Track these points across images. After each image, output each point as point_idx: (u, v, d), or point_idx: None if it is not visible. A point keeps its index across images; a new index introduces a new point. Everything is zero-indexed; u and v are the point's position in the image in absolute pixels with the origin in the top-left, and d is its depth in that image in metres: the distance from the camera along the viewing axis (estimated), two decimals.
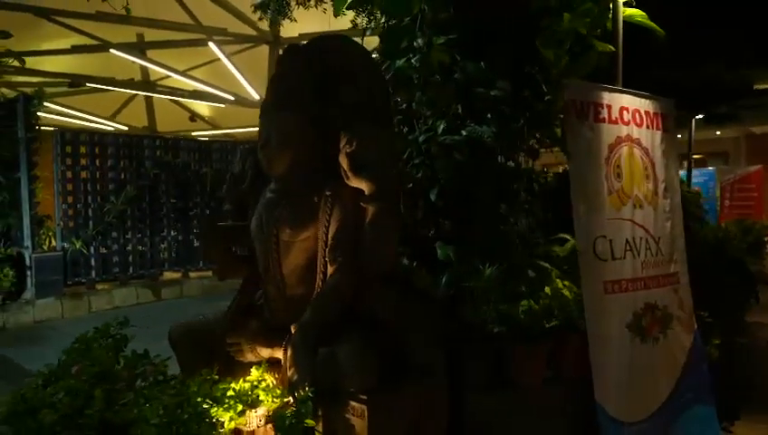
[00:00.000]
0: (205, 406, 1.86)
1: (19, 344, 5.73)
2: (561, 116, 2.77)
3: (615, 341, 2.50)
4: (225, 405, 1.92)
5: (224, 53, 9.28)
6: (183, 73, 10.09)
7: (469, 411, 2.44)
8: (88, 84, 10.20)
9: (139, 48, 9.93)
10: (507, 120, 2.74)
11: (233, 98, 10.56)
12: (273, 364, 2.19)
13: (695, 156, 20.60)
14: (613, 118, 2.73)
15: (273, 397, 1.94)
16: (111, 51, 9.09)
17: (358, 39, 2.91)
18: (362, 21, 3.16)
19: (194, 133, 13.01)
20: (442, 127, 2.87)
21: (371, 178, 2.05)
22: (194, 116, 12.99)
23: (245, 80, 9.90)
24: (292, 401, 1.90)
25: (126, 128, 12.59)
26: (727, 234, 5.43)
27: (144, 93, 11.58)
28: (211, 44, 9.12)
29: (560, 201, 2.87)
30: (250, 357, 2.26)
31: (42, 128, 7.58)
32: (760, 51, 5.00)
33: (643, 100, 2.90)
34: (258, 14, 4.12)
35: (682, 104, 6.89)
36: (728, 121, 8.03)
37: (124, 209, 7.90)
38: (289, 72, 2.36)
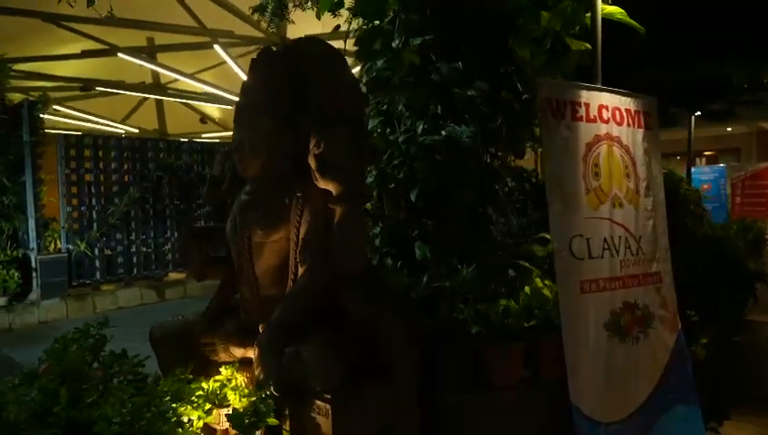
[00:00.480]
0: (173, 405, 1.91)
1: (23, 345, 5.85)
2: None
3: (591, 340, 2.49)
4: (195, 404, 1.96)
5: (230, 56, 9.35)
6: (191, 76, 10.19)
7: (444, 412, 2.45)
8: (98, 88, 10.37)
9: (146, 52, 10.06)
10: (485, 119, 2.74)
11: None
12: (246, 364, 2.22)
13: (706, 152, 20.29)
14: (591, 116, 2.71)
15: (240, 396, 1.97)
16: (119, 55, 9.23)
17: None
18: (345, 24, 3.18)
19: (204, 135, 13.14)
20: (421, 127, 2.88)
21: (338, 179, 2.07)
22: (204, 118, 13.13)
23: None
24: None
25: (137, 130, 12.77)
26: (726, 232, 5.36)
27: (154, 97, 11.73)
28: (216, 47, 9.21)
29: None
30: (224, 357, 2.30)
31: (53, 132, 7.73)
32: (755, 45, 4.93)
33: (624, 98, 2.88)
34: (257, 16, 4.16)
35: (680, 101, 6.84)
36: (726, 118, 7.89)
37: (128, 211, 8.03)
38: (262, 75, 2.39)
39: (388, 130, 3.13)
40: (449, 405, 2.44)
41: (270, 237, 2.26)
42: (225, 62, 9.65)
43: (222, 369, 2.08)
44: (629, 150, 2.86)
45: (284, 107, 2.34)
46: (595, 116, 2.73)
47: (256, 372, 1.98)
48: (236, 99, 2.25)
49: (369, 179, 3.17)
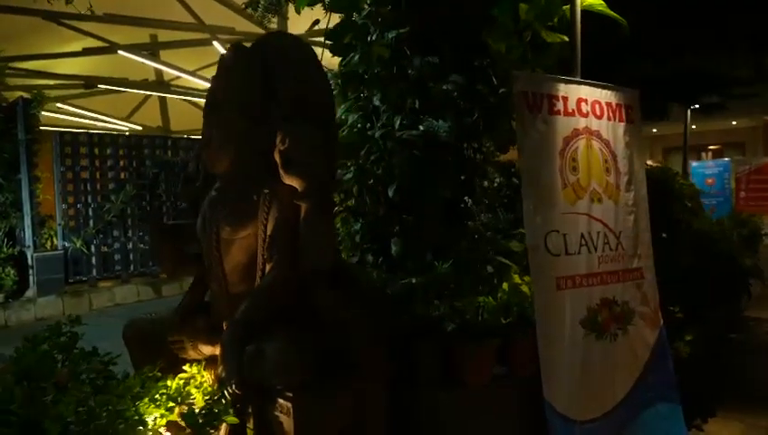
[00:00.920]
0: (137, 403, 1.89)
1: (19, 342, 5.88)
2: None
3: (567, 337, 2.45)
4: (158, 402, 1.94)
5: None
6: (192, 73, 10.17)
7: (415, 410, 2.43)
8: (101, 86, 10.39)
9: (146, 49, 10.05)
10: (462, 114, 2.70)
11: None
12: (214, 361, 2.20)
13: (711, 147, 20.08)
14: (570, 110, 2.66)
15: (204, 394, 1.96)
16: (119, 52, 9.23)
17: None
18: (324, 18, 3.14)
19: None
20: (399, 122, 2.85)
21: (302, 175, 2.05)
22: None
23: None
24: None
25: (140, 128, 12.79)
26: (721, 227, 5.29)
27: (157, 94, 11.74)
28: (215, 43, 9.18)
29: None
30: (193, 354, 2.29)
31: (52, 129, 7.74)
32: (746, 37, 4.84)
33: (604, 91, 2.82)
34: (250, 10, 4.12)
35: (675, 96, 6.74)
36: (717, 112, 7.79)
37: (124, 208, 8.05)
38: (231, 71, 2.36)
39: (368, 124, 3.11)
40: (421, 403, 2.42)
41: (238, 234, 2.24)
42: None
43: (186, 367, 2.06)
44: (610, 144, 2.81)
45: (254, 103, 2.32)
46: (573, 109, 2.68)
47: (219, 370, 1.96)
48: None
49: (348, 175, 3.15)
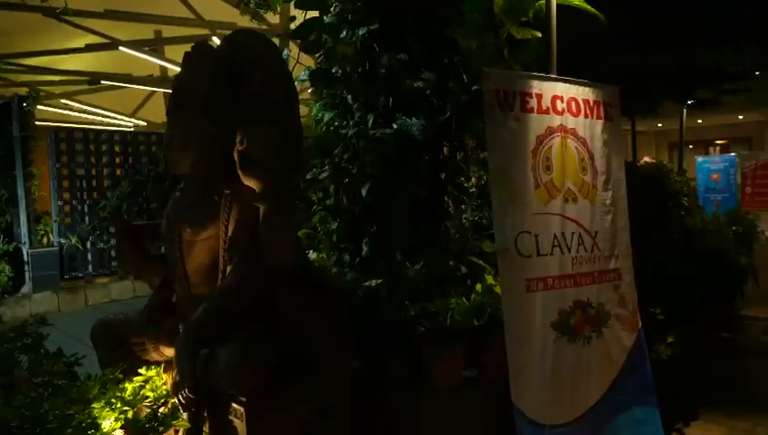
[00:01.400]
0: (94, 407, 1.88)
1: None
2: None
3: (537, 340, 2.41)
4: (113, 405, 1.93)
5: None
6: None
7: (383, 412, 2.40)
8: (104, 82, 10.38)
9: (148, 45, 10.02)
10: (434, 111, 2.65)
11: None
12: None
13: (718, 141, 19.81)
14: (544, 107, 2.60)
15: (158, 398, 1.94)
16: (121, 48, 9.22)
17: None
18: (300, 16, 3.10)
19: None
20: (372, 120, 2.80)
21: (258, 176, 2.01)
22: None
23: None
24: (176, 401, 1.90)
25: (145, 124, 12.78)
26: (716, 225, 5.19)
27: (162, 90, 11.70)
28: (215, 39, 9.14)
29: None
30: (155, 356, 2.27)
31: (52, 124, 7.74)
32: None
33: (582, 88, 2.76)
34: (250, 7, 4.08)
35: (669, 92, 6.61)
36: (709, 107, 7.64)
37: (119, 205, 8.07)
38: (194, 70, 2.32)
39: (345, 123, 3.06)
40: (388, 405, 2.39)
41: (199, 235, 2.21)
42: None
43: (143, 369, 2.04)
44: (586, 143, 2.75)
45: (218, 102, 2.28)
46: (548, 107, 2.62)
47: (173, 373, 1.94)
48: None
49: (324, 174, 3.11)
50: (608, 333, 2.67)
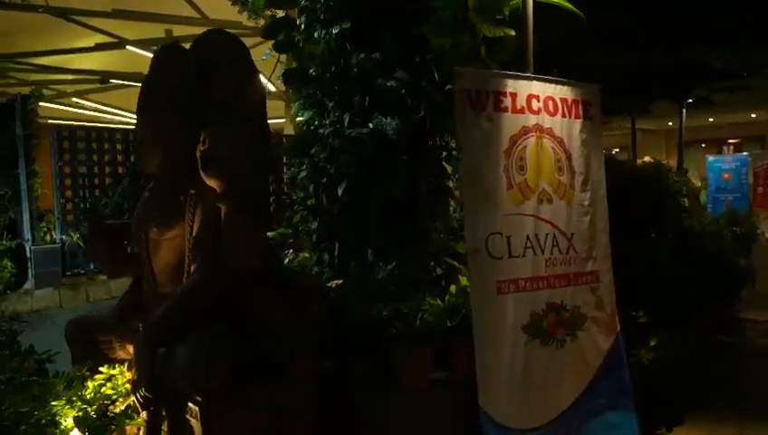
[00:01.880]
0: (56, 404, 1.89)
1: None
2: None
3: (507, 343, 2.38)
4: (73, 404, 1.94)
5: None
6: None
7: (351, 413, 2.39)
8: (113, 81, 10.50)
9: (156, 44, 10.05)
10: (408, 111, 2.63)
11: None
12: None
13: (730, 140, 19.48)
14: (518, 107, 2.56)
15: (118, 396, 1.95)
16: (128, 48, 9.31)
17: None
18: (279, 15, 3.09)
19: None
20: (348, 119, 2.79)
21: (220, 176, 2.01)
22: None
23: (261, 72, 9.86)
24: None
25: None
26: (715, 226, 5.10)
27: None
28: None
29: None
30: (122, 354, 2.29)
31: (54, 122, 7.83)
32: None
33: (559, 86, 2.71)
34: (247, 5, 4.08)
35: (667, 92, 6.49)
36: (704, 106, 7.50)
37: (121, 203, 8.15)
38: (164, 69, 2.34)
39: (323, 121, 3.05)
40: (356, 405, 2.38)
41: (165, 235, 2.22)
42: None
43: (104, 368, 2.05)
44: (563, 143, 2.70)
45: (188, 102, 2.29)
46: (523, 106, 2.58)
47: (132, 372, 1.95)
48: None
49: (303, 174, 3.11)
50: (583, 336, 2.63)
